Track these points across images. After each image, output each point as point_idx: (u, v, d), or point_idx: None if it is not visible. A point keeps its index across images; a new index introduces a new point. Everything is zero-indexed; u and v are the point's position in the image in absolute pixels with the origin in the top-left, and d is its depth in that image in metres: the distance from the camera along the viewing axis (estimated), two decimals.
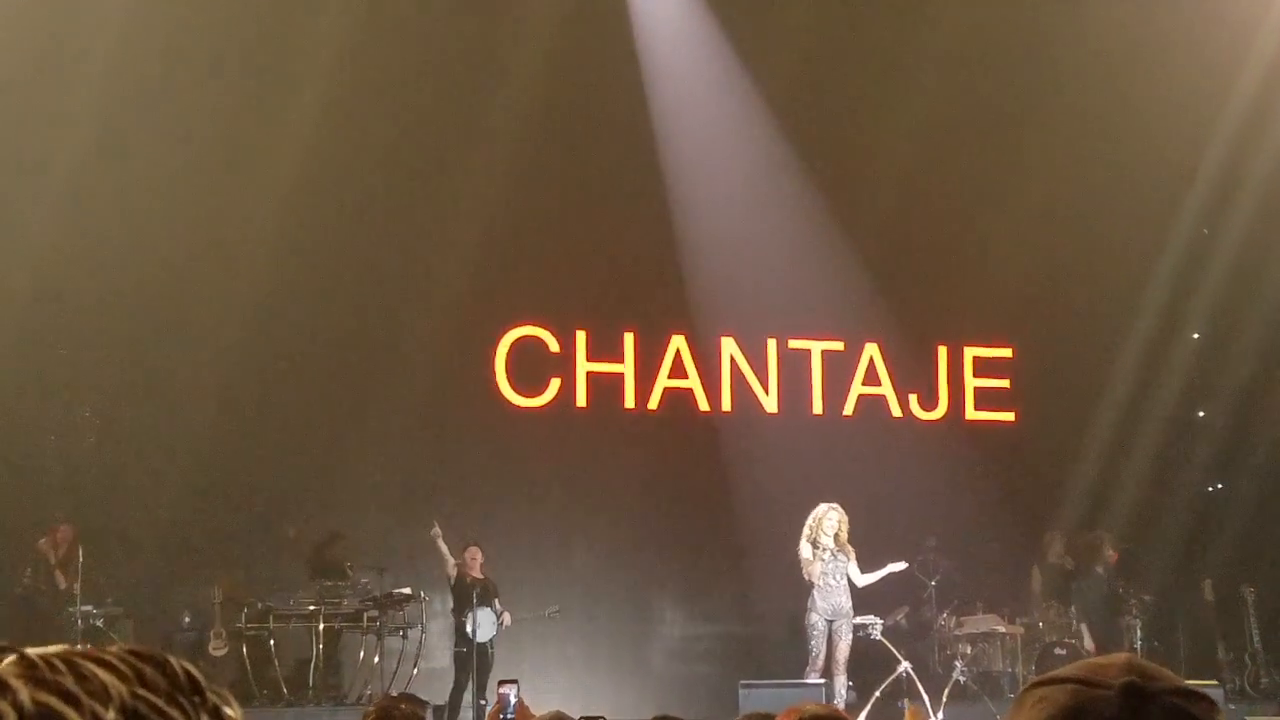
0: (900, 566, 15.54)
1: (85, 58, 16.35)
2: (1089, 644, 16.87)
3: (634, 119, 18.41)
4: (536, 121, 18.02)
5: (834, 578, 14.92)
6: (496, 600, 16.09)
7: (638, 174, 18.56)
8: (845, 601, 14.93)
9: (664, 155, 18.62)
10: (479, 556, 16.08)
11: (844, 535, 14.95)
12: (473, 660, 15.61)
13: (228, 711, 1.00)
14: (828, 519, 14.94)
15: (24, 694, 0.90)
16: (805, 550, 14.94)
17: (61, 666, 0.94)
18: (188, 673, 0.98)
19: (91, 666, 0.95)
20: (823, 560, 14.90)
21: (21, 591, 15.77)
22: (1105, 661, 1.65)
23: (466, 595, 15.81)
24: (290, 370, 17.66)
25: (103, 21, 16.22)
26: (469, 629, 15.66)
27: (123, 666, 0.96)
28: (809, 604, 14.95)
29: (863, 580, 15.10)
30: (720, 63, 18.67)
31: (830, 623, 14.87)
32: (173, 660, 1.00)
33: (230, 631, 15.77)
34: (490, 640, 15.89)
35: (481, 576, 16.05)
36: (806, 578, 14.97)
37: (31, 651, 0.95)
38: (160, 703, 0.95)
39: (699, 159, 18.68)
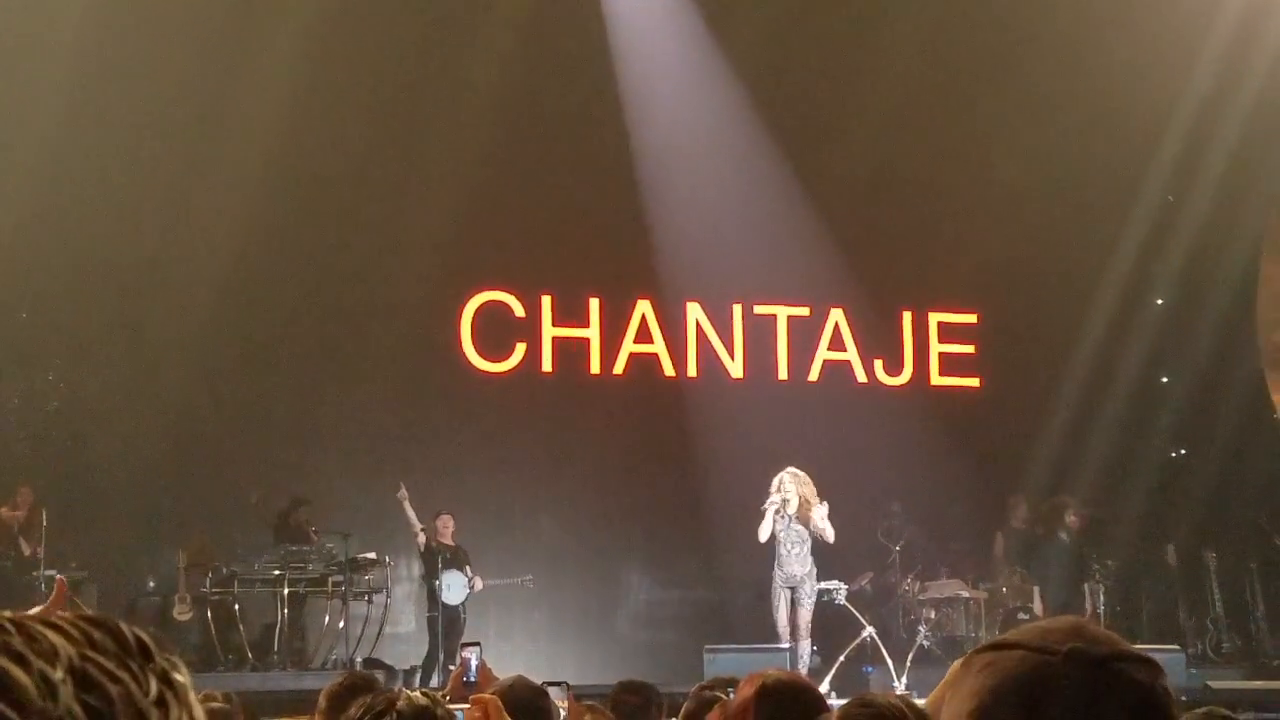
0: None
1: (55, 27, 16.24)
2: (1038, 608, 16.95)
3: (601, 86, 18.35)
4: (505, 89, 17.95)
5: (791, 545, 14.87)
6: (468, 566, 16.13)
7: (603, 139, 18.52)
8: (800, 569, 14.88)
9: (630, 121, 18.57)
10: (450, 524, 16.12)
11: (803, 501, 14.88)
12: (440, 624, 15.65)
13: (177, 676, 1.00)
14: (784, 485, 14.90)
15: None
16: (767, 516, 14.91)
17: (10, 627, 0.94)
18: (138, 637, 0.98)
19: (40, 629, 0.95)
20: (778, 524, 14.88)
21: None
22: (1051, 626, 1.65)
23: (435, 560, 15.85)
24: (257, 335, 17.63)
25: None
26: (440, 592, 15.70)
27: (72, 630, 0.96)
28: (773, 571, 14.97)
29: (830, 535, 14.97)
30: (690, 30, 18.60)
31: (790, 589, 14.88)
32: (123, 625, 1.00)
33: (195, 596, 15.76)
34: (461, 604, 15.94)
35: (452, 544, 16.08)
36: (765, 541, 14.95)
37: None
38: (110, 665, 0.95)
39: (665, 125, 18.63)
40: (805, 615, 14.88)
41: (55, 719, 0.90)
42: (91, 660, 0.94)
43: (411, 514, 15.93)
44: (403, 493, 15.91)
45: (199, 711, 1.01)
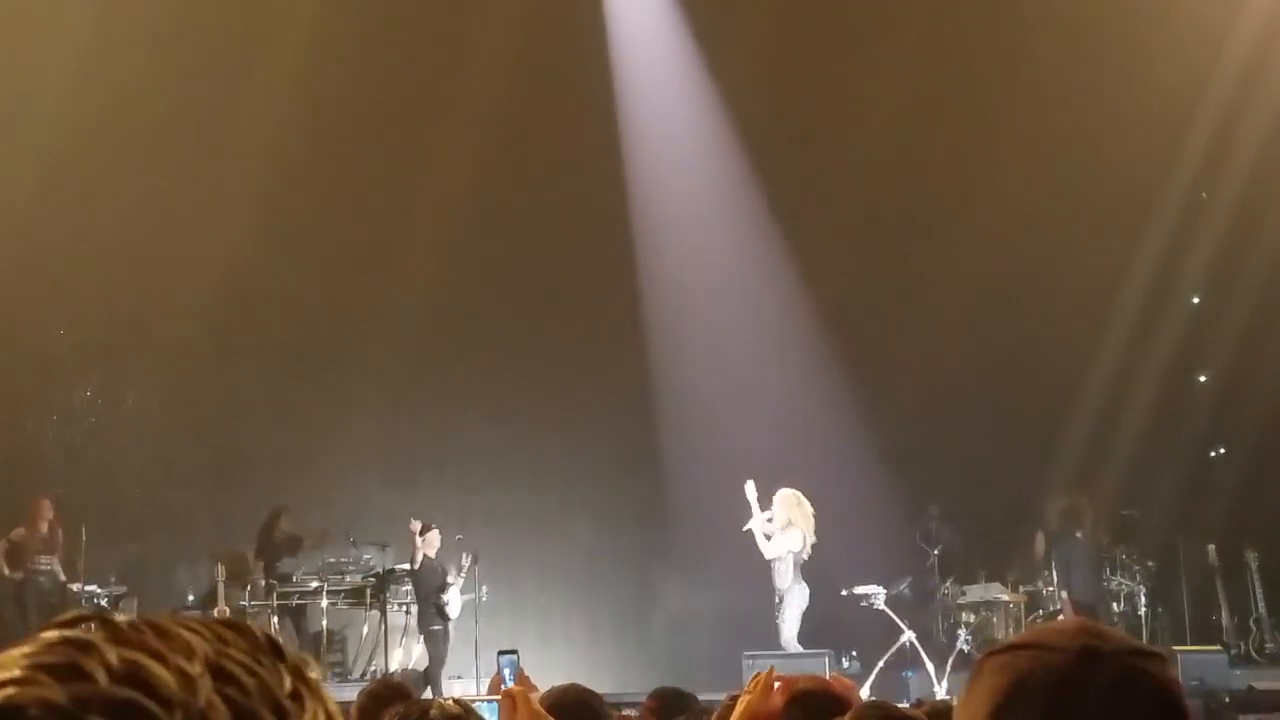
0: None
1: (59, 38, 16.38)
2: (1068, 610, 16.86)
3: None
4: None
5: (774, 562, 15.32)
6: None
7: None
8: (780, 583, 15.22)
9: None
10: (437, 541, 15.97)
11: (780, 516, 15.18)
12: (444, 637, 15.63)
13: (310, 673, 1.03)
14: (775, 503, 15.27)
15: (111, 654, 0.92)
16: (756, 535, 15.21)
17: (145, 629, 0.96)
18: (268, 636, 1.01)
19: (175, 629, 0.97)
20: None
21: (13, 591, 15.67)
22: (1059, 626, 1.70)
23: (441, 575, 15.74)
24: (289, 348, 17.68)
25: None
26: (447, 605, 15.65)
27: (204, 630, 0.98)
28: None
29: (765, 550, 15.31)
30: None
31: (779, 601, 15.20)
32: (254, 625, 1.02)
33: (234, 609, 15.79)
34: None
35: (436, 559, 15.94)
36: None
37: (115, 617, 0.98)
38: (247, 659, 0.97)
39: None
40: (785, 628, 15.01)
41: (197, 711, 0.92)
42: (228, 656, 0.97)
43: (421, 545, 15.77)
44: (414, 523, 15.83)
45: (334, 706, 1.03)
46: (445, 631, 15.62)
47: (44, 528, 15.71)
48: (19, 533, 15.68)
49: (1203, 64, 18.41)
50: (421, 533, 15.80)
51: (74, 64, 16.38)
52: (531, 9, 17.63)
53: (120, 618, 0.95)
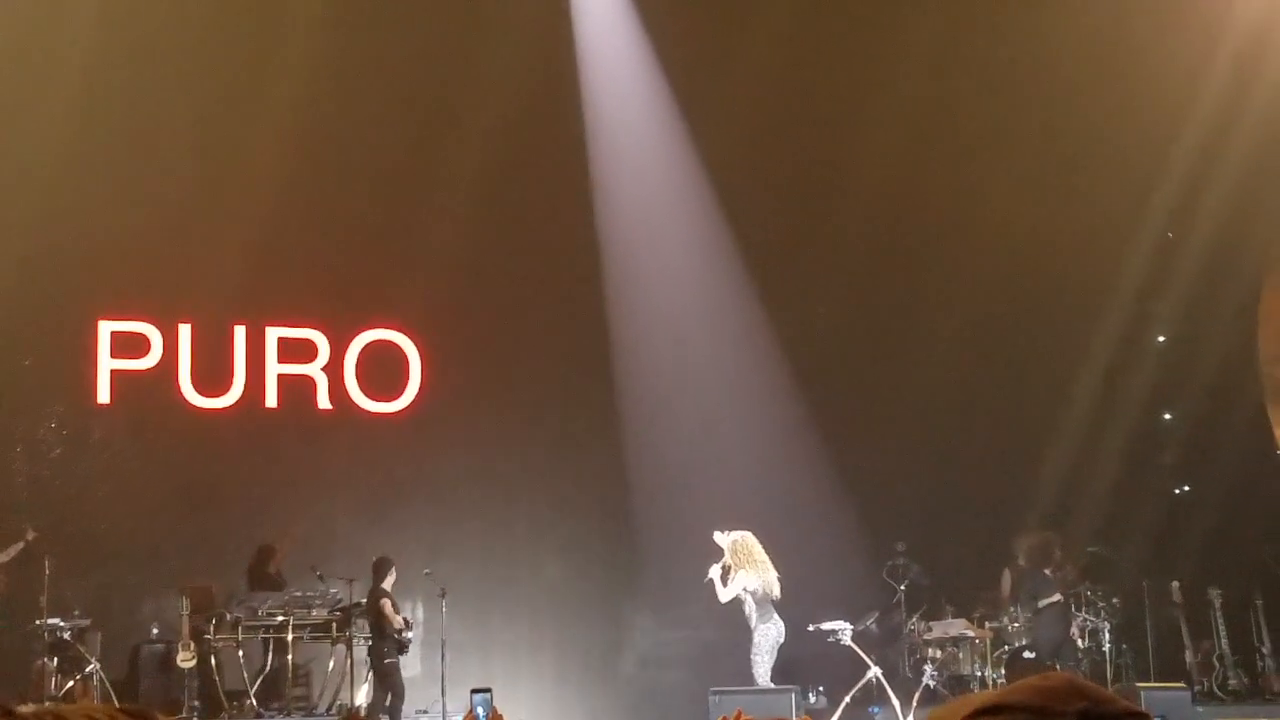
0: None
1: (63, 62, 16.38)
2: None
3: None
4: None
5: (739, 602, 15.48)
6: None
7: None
8: (749, 623, 15.35)
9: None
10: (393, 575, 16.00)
11: (729, 560, 15.42)
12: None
13: None
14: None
15: None
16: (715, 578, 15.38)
17: None
18: None
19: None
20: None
21: None
22: (1049, 685, 1.64)
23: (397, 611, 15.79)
24: (256, 377, 17.64)
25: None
26: (407, 638, 15.69)
27: None
28: None
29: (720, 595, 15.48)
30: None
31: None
32: (159, 716, 1.01)
33: (199, 643, 15.70)
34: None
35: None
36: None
37: (21, 709, 0.97)
38: None
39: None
40: (755, 666, 15.08)
41: None
42: None
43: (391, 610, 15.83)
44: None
45: None
46: (398, 664, 15.61)
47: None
48: None
49: (1175, 108, 18.56)
50: (377, 569, 15.80)
51: (47, 93, 16.36)
52: (501, 64, 17.76)
53: (24, 709, 0.94)
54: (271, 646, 15.82)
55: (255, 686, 15.84)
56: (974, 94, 18.96)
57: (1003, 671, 16.73)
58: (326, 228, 18.04)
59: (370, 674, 15.96)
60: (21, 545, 15.67)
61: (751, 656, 15.22)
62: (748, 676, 15.46)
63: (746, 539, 15.41)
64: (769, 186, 19.14)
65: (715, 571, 15.37)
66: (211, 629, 15.80)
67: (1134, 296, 19.46)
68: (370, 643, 15.85)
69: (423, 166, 17.95)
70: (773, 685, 14.97)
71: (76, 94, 16.49)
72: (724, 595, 15.31)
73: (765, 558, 15.38)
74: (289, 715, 15.49)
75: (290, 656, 15.78)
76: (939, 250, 19.19)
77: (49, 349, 16.96)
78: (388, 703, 15.47)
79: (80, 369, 17.04)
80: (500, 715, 5.52)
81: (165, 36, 17.06)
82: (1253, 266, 19.58)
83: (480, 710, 5.46)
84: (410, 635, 15.74)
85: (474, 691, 5.31)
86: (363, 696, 15.88)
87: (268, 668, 15.81)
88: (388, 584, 15.73)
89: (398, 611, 15.68)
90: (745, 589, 15.25)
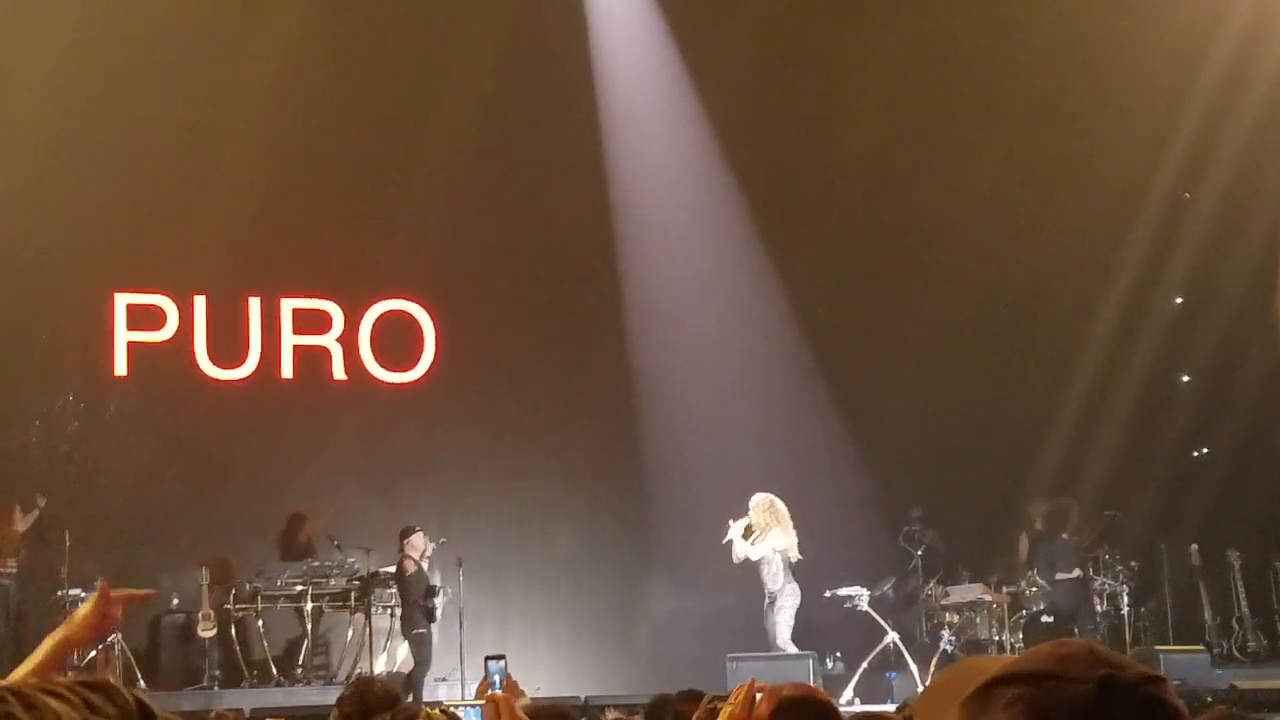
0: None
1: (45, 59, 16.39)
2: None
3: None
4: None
5: (763, 564, 15.59)
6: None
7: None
8: (772, 585, 15.53)
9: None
10: (421, 544, 16.00)
11: (761, 526, 15.47)
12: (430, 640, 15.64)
13: None
14: (750, 512, 15.59)
15: None
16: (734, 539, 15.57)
17: (9, 697, 0.95)
18: (138, 699, 0.99)
19: (41, 696, 0.96)
20: (752, 546, 15.51)
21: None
22: (1066, 651, 1.62)
23: (424, 579, 15.79)
24: (271, 348, 17.68)
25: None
26: (437, 611, 15.69)
27: (72, 696, 0.96)
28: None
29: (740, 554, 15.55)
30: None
31: (770, 603, 15.34)
32: (122, 689, 1.01)
33: (218, 613, 15.77)
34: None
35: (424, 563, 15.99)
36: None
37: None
38: None
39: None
40: (780, 630, 15.10)
41: None
42: None
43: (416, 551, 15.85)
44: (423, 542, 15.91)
45: None
46: (430, 634, 15.66)
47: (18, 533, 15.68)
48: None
49: (1185, 68, 18.48)
50: (403, 536, 15.84)
51: (58, 64, 16.37)
52: (509, 30, 17.73)
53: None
54: (308, 616, 15.89)
55: (301, 655, 15.92)
56: (987, 52, 18.86)
57: (1020, 636, 16.73)
58: (340, 198, 18.03)
59: (387, 643, 16.07)
60: (36, 514, 15.72)
61: (775, 618, 15.26)
62: (762, 643, 15.51)
63: (776, 500, 15.50)
64: (784, 156, 19.09)
65: (737, 530, 15.40)
66: (231, 599, 15.87)
67: (1149, 258, 19.38)
68: (401, 611, 15.93)
69: (436, 137, 17.92)
70: (794, 649, 15.01)
71: (86, 67, 16.49)
72: (753, 553, 15.38)
73: (790, 520, 15.49)
74: (308, 684, 15.56)
75: (309, 625, 15.86)
76: (951, 217, 19.11)
77: (65, 322, 17.00)
78: (410, 670, 15.55)
79: (96, 342, 17.08)
80: (515, 681, 5.53)
81: (177, 6, 17.05)
82: (1269, 226, 19.47)
83: (495, 677, 5.47)
84: (437, 602, 15.73)
85: (488, 659, 5.31)
86: (381, 665, 15.94)
87: (304, 637, 15.90)
88: (410, 549, 15.77)
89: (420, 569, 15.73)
90: (774, 548, 15.32)
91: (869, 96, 18.56)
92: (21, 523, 15.66)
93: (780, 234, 19.00)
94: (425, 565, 15.93)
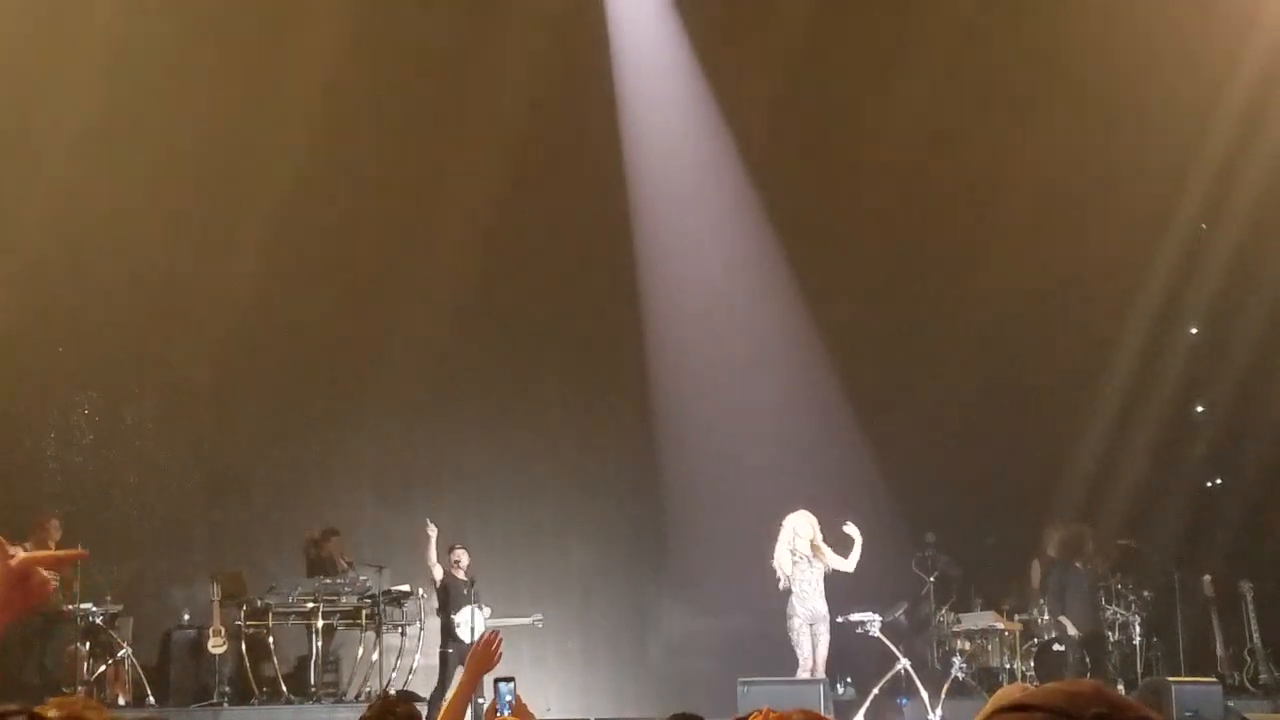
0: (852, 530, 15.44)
1: (83, 55, 16.41)
2: (1071, 631, 16.84)
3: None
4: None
5: (809, 583, 15.00)
6: (480, 600, 16.01)
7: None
8: (822, 605, 15.01)
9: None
10: (465, 558, 15.95)
11: (817, 539, 15.01)
12: (454, 660, 15.51)
13: None
14: (802, 525, 15.03)
15: None
16: (784, 558, 15.00)
17: None
18: None
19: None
20: (799, 566, 14.97)
21: None
22: (1073, 690, 1.66)
23: (460, 594, 15.74)
24: (287, 367, 17.71)
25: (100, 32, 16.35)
26: (464, 629, 15.59)
27: None
28: (789, 610, 14.97)
29: (850, 564, 15.11)
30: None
31: (810, 625, 14.94)
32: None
33: (229, 629, 15.76)
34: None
35: (467, 578, 15.90)
36: (784, 584, 15.00)
37: (40, 710, 0.98)
38: None
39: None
40: (823, 651, 14.95)
41: None
42: None
43: (434, 550, 15.82)
44: (432, 529, 15.83)
45: None
46: (453, 655, 15.50)
47: (51, 548, 15.67)
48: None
49: (1205, 102, 18.44)
50: (450, 550, 15.80)
51: (86, 88, 16.42)
52: (539, 57, 17.77)
53: (51, 714, 0.94)
54: (319, 633, 15.83)
55: (311, 673, 15.88)
56: (1016, 71, 18.83)
57: (1032, 664, 16.66)
58: (353, 203, 18.04)
59: (398, 661, 16.06)
60: (51, 548, 15.71)
61: (828, 637, 14.99)
62: (776, 665, 15.44)
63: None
64: (805, 169, 19.08)
65: (804, 546, 15.03)
66: (242, 615, 15.86)
67: (1166, 287, 19.35)
68: (441, 623, 15.86)
69: (454, 145, 17.95)
70: (805, 675, 14.89)
71: (104, 84, 16.54)
72: (848, 565, 15.16)
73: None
74: (318, 702, 15.53)
75: (320, 643, 15.83)
76: (972, 240, 19.10)
77: (80, 336, 17.04)
78: (433, 688, 15.45)
79: (111, 355, 17.12)
80: (524, 704, 5.50)
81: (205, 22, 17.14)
82: None
83: (507, 699, 5.45)
84: (456, 619, 15.59)
85: (498, 681, 5.29)
86: (392, 684, 15.90)
87: (315, 654, 15.83)
88: (456, 566, 15.74)
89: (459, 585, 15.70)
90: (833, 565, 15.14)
91: (900, 115, 18.55)
92: (56, 533, 15.66)
93: (803, 253, 19.00)
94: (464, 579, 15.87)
